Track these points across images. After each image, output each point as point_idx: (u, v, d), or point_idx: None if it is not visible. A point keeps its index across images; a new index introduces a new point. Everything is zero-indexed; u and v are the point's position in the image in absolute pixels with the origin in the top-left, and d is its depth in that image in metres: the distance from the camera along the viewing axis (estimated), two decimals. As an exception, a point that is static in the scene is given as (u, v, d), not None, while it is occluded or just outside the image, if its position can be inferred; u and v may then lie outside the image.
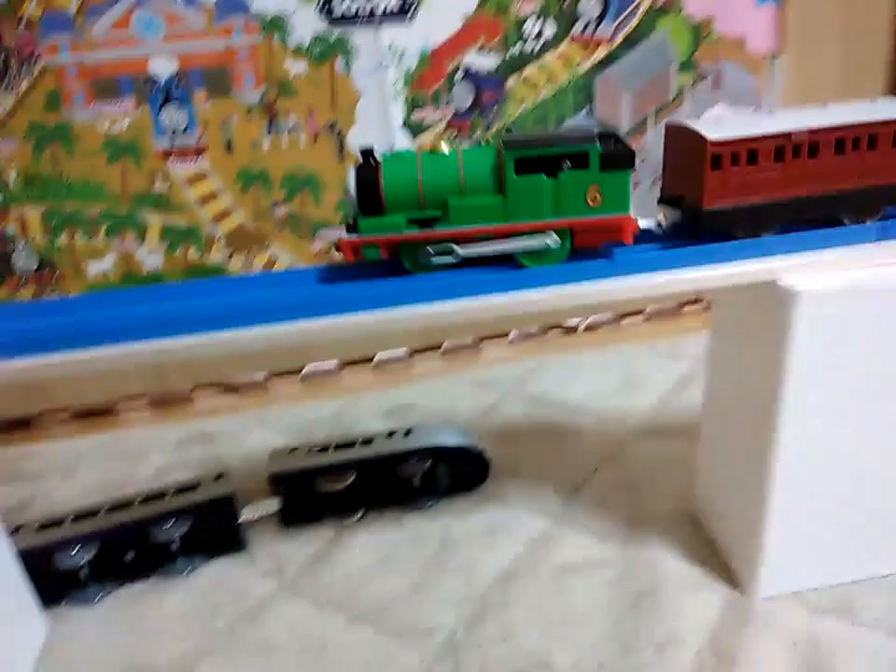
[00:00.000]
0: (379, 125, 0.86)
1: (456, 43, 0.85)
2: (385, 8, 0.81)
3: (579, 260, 0.50)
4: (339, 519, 0.69)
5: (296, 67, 0.82)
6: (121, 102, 0.79)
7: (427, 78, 0.86)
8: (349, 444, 0.70)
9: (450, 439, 0.71)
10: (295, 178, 0.86)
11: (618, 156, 0.47)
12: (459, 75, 0.87)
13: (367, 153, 0.50)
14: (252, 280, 0.55)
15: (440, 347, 1.06)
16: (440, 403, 0.91)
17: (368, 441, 0.71)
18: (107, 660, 0.57)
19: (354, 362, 1.03)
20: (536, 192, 0.48)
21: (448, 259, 0.49)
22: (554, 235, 0.49)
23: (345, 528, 0.69)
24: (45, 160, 0.79)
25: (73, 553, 0.60)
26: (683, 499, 0.68)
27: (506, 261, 0.50)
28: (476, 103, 0.88)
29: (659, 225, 0.53)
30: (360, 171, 0.49)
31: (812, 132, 0.49)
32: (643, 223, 0.52)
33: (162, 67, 0.79)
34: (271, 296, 0.50)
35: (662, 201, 0.54)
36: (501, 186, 0.48)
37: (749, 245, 0.50)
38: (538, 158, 0.47)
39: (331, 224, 0.89)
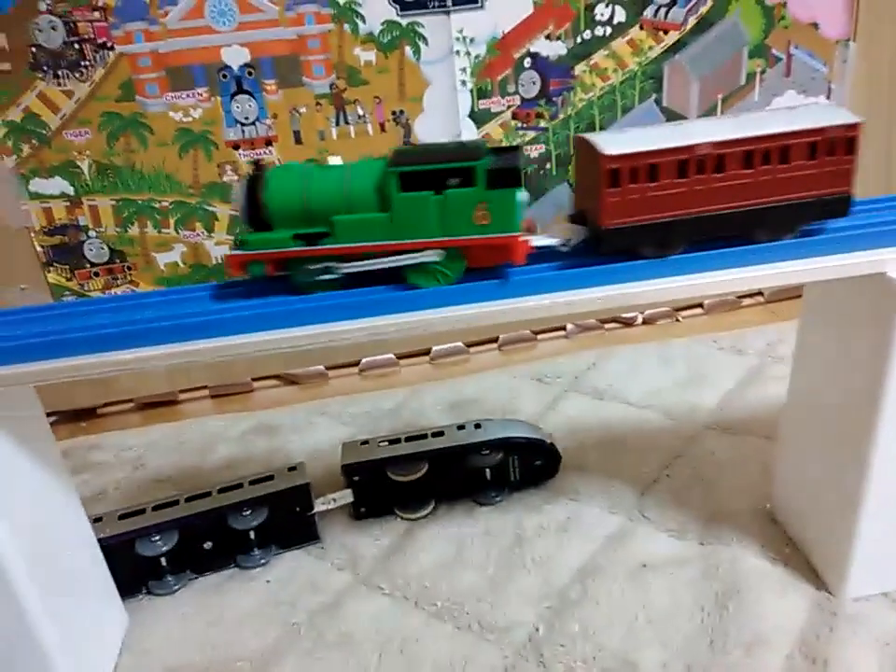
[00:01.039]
0: (446, 114, 0.85)
1: (526, 29, 0.84)
2: (458, -3, 0.80)
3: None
4: (410, 511, 0.69)
5: (365, 55, 0.81)
6: (194, 91, 0.79)
7: (495, 66, 0.84)
8: (420, 437, 0.70)
9: (521, 432, 0.71)
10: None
11: (505, 173, 0.45)
12: (527, 62, 0.85)
13: (257, 165, 0.50)
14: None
15: (496, 341, 1.05)
16: (500, 396, 0.90)
17: (439, 434, 0.70)
18: (189, 650, 0.57)
19: (411, 355, 1.03)
20: (422, 210, 0.46)
21: (331, 277, 0.48)
22: (438, 249, 0.47)
23: (417, 521, 0.69)
24: (118, 150, 0.79)
25: (153, 542, 0.61)
26: (759, 497, 0.67)
27: (399, 280, 0.48)
28: (543, 91, 0.87)
29: (565, 243, 0.50)
30: (248, 184, 0.48)
31: (716, 145, 0.46)
32: (549, 241, 0.49)
33: (235, 56, 0.78)
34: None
35: (570, 217, 0.51)
36: (387, 203, 0.46)
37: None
38: (423, 174, 0.45)
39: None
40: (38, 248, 0.83)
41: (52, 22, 0.74)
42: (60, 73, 0.76)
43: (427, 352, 1.03)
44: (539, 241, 0.49)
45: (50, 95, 0.77)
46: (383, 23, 0.80)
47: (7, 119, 0.77)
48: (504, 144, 0.87)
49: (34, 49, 0.75)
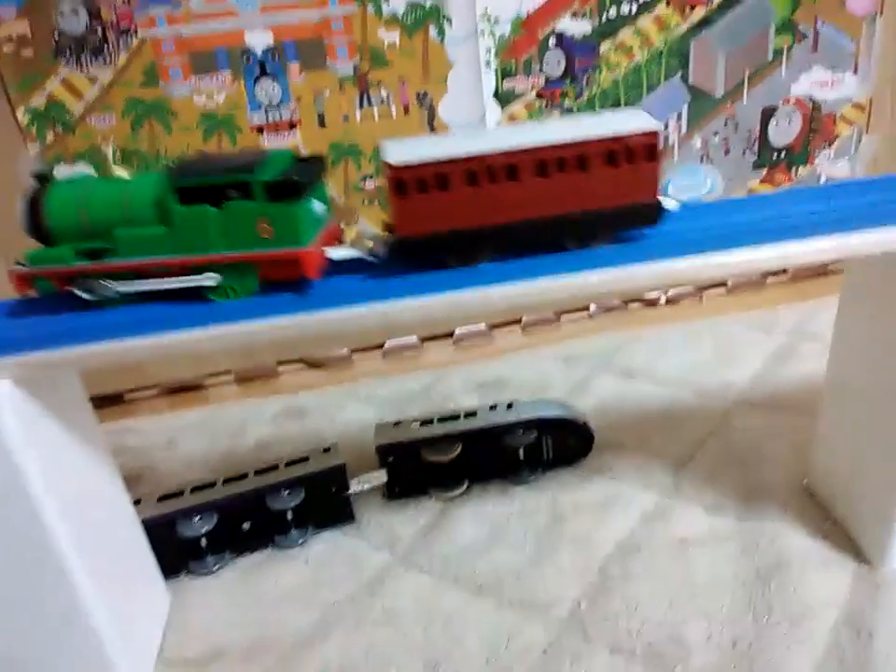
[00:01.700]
0: (470, 95, 0.85)
1: (551, 8, 0.83)
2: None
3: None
4: (444, 491, 0.69)
5: (389, 37, 0.81)
6: (218, 76, 0.79)
7: (520, 46, 0.84)
8: (453, 417, 0.70)
9: (554, 411, 0.70)
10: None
11: (284, 186, 0.44)
12: (552, 41, 0.85)
13: (41, 177, 0.48)
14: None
15: (519, 322, 1.05)
16: (528, 377, 0.90)
17: (471, 414, 0.70)
18: (234, 628, 0.57)
19: (434, 337, 1.03)
20: (202, 224, 0.44)
21: (108, 296, 0.46)
22: (212, 274, 0.45)
23: (452, 501, 0.69)
24: (142, 135, 0.79)
25: (194, 523, 0.61)
26: (796, 473, 0.67)
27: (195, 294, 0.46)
28: (568, 70, 0.86)
29: (374, 254, 0.48)
30: (29, 198, 0.46)
31: (508, 154, 0.44)
32: (350, 253, 0.48)
33: (258, 40, 0.78)
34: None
35: (384, 226, 0.49)
36: (168, 217, 0.45)
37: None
38: (202, 187, 0.44)
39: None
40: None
41: (75, 7, 0.73)
42: (83, 58, 0.76)
43: (450, 334, 1.03)
44: (338, 253, 0.47)
45: (74, 81, 0.77)
46: (406, 4, 0.80)
47: (30, 105, 0.77)
48: (521, 123, 0.87)
49: (56, 35, 0.75)
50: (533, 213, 0.45)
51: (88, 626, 0.48)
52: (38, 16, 0.73)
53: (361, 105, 0.83)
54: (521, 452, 0.69)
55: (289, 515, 0.64)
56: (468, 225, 0.45)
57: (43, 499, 0.44)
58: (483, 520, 0.66)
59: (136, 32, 0.76)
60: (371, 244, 0.48)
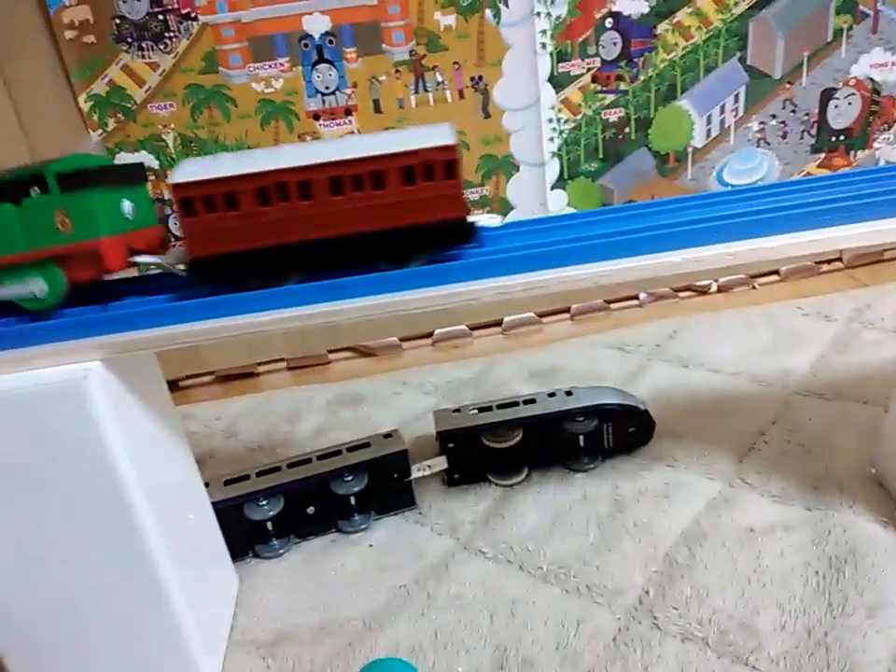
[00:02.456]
0: (525, 78, 0.84)
1: (610, -11, 0.82)
2: (536, -45, 0.78)
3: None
4: (504, 478, 0.69)
5: (445, 20, 0.80)
6: (276, 62, 0.79)
7: (576, 27, 0.83)
8: (512, 404, 0.70)
9: (614, 398, 0.70)
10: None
11: (77, 176, 0.43)
12: (608, 22, 0.83)
13: None
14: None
15: (568, 311, 1.04)
16: (580, 366, 0.89)
17: (531, 402, 0.70)
18: (302, 611, 0.58)
19: (483, 326, 1.03)
20: (3, 223, 0.44)
21: None
22: (41, 283, 0.45)
23: (512, 488, 0.68)
24: (202, 122, 0.80)
25: (261, 506, 0.62)
26: (862, 461, 0.65)
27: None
28: (624, 52, 0.85)
29: (179, 264, 0.47)
30: None
31: (297, 170, 0.43)
32: (153, 259, 0.47)
33: (316, 25, 0.78)
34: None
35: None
36: None
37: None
38: (3, 186, 0.44)
39: (472, 184, 0.88)
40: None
41: (138, -6, 0.74)
42: (144, 45, 0.76)
43: (498, 322, 1.03)
44: (145, 258, 0.47)
45: (135, 68, 0.77)
46: (462, -13, 0.79)
47: (92, 92, 0.77)
48: (582, 107, 0.86)
49: (117, 21, 0.75)
50: (330, 231, 0.44)
51: (167, 608, 0.48)
52: (99, 1, 0.74)
53: (416, 91, 0.83)
54: (581, 439, 0.69)
55: (353, 500, 0.64)
56: (261, 244, 0.44)
57: (129, 479, 0.44)
58: (545, 507, 0.66)
59: (197, 18, 0.76)
60: (177, 256, 0.47)
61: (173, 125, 0.80)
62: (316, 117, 0.82)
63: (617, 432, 0.70)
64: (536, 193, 0.89)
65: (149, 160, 0.81)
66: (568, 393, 0.70)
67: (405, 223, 0.45)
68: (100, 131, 0.79)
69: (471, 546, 0.62)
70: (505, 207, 0.90)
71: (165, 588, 0.48)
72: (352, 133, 0.83)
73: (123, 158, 0.80)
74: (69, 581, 0.47)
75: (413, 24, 0.80)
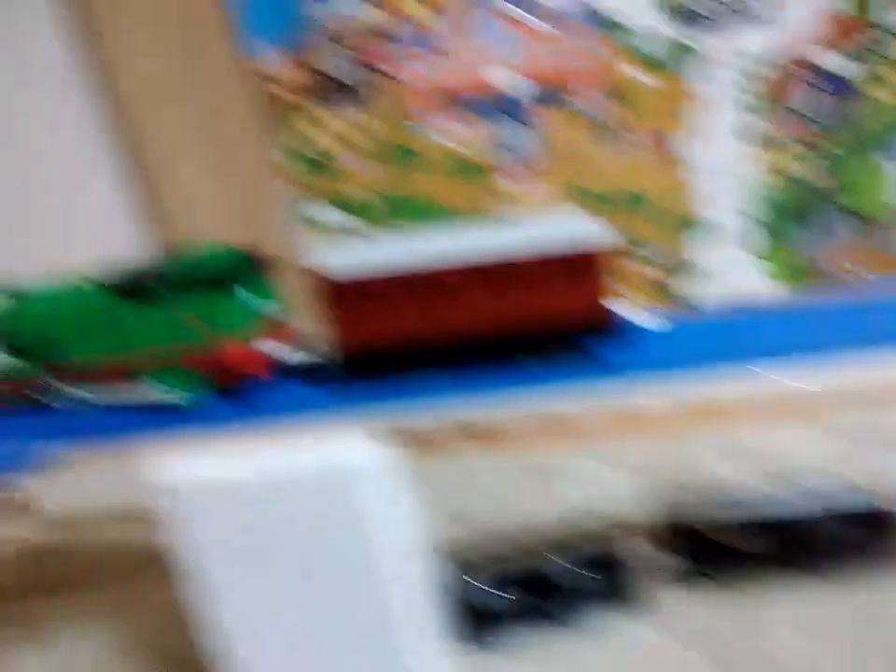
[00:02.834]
0: (722, 138, 0.80)
1: (811, 43, 0.78)
2: (739, 9, 0.75)
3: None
4: (750, 583, 0.59)
5: (638, 76, 0.77)
6: (467, 119, 0.76)
7: (776, 84, 0.79)
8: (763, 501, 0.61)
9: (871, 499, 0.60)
10: (624, 194, 0.80)
11: (211, 275, 0.42)
12: (811, 78, 0.79)
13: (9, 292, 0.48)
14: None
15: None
16: (788, 449, 0.79)
17: (774, 499, 0.60)
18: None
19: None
20: (137, 321, 0.44)
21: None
22: (178, 391, 0.44)
23: (761, 596, 0.59)
24: (394, 180, 0.77)
25: (493, 592, 0.54)
26: None
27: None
28: (826, 110, 0.80)
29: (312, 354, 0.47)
30: None
31: (450, 271, 0.42)
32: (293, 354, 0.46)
33: (508, 81, 0.76)
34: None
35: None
36: (107, 317, 0.44)
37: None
38: (134, 282, 0.43)
39: (650, 243, 0.82)
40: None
41: (339, 47, 0.73)
42: (340, 100, 0.75)
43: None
44: (281, 352, 0.46)
45: (330, 123, 0.76)
46: (660, 41, 0.76)
47: (290, 146, 0.76)
48: (777, 168, 0.81)
49: (317, 77, 0.74)
50: (473, 330, 0.44)
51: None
52: (303, 56, 0.73)
53: (604, 147, 0.79)
54: (843, 545, 0.58)
55: (582, 593, 0.56)
56: (406, 342, 0.44)
57: (382, 552, 0.39)
58: (805, 624, 0.55)
59: (393, 74, 0.74)
60: (312, 349, 0.47)
61: (364, 181, 0.77)
62: (503, 176, 0.79)
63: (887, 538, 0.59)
64: (727, 259, 0.83)
65: (339, 217, 0.78)
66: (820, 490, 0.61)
67: (545, 324, 0.44)
68: (294, 187, 0.77)
69: (723, 663, 0.53)
70: (688, 271, 0.84)
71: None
72: (536, 193, 0.79)
73: (314, 213, 0.78)
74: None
75: (604, 80, 0.77)
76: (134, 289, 0.43)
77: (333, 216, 0.79)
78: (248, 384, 0.45)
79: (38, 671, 0.61)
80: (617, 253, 0.44)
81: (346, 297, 0.42)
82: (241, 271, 0.43)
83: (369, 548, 0.39)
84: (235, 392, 0.45)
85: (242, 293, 0.43)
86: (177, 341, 0.43)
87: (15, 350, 0.47)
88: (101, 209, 0.78)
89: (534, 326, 0.44)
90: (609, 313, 0.45)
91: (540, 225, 0.46)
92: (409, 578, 0.43)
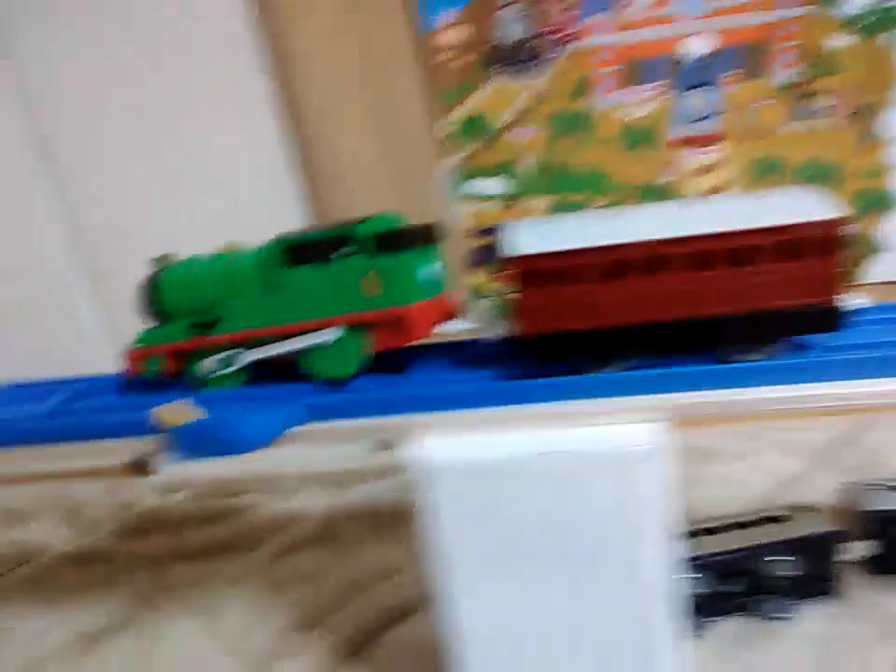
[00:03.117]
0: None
1: None
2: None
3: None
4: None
5: (837, 42, 0.72)
6: (647, 86, 0.73)
7: None
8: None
9: None
10: (813, 168, 0.76)
11: (394, 236, 0.41)
12: None
13: (159, 260, 0.49)
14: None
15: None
16: None
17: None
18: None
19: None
20: (309, 285, 0.43)
21: (229, 371, 0.46)
22: (336, 329, 0.43)
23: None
24: (560, 148, 0.75)
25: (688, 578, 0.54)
26: None
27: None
28: None
29: (483, 330, 0.44)
30: (147, 281, 0.48)
31: (654, 244, 0.38)
32: (462, 327, 0.45)
33: (695, 46, 0.72)
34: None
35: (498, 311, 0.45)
36: (274, 282, 0.44)
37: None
38: (307, 245, 0.43)
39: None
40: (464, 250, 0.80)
41: (516, 15, 0.71)
42: (516, 68, 0.73)
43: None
44: (450, 326, 0.45)
45: (503, 91, 0.74)
46: (862, 7, 0.71)
47: (455, 116, 0.75)
48: None
49: (493, 43, 0.72)
50: (679, 313, 0.39)
51: None
52: (478, 23, 0.71)
53: (794, 117, 0.75)
54: None
55: (780, 581, 0.55)
56: (603, 324, 0.40)
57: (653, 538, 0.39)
58: None
59: (572, 41, 0.72)
60: (484, 325, 0.45)
61: (532, 151, 0.76)
62: (682, 144, 0.75)
63: None
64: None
65: (501, 186, 0.77)
66: None
67: (760, 307, 0.40)
68: (456, 156, 0.76)
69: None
70: (878, 249, 0.80)
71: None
72: (716, 164, 0.76)
73: (474, 184, 0.77)
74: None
75: (801, 46, 0.72)
76: (308, 254, 0.43)
77: (496, 187, 0.77)
78: (408, 352, 0.45)
79: (196, 635, 0.65)
80: (850, 232, 0.39)
81: (533, 275, 0.39)
82: (414, 239, 0.43)
83: (641, 533, 0.38)
84: (393, 359, 0.45)
85: (415, 260, 0.43)
86: (350, 305, 0.43)
87: (177, 314, 0.48)
88: (270, 181, 0.79)
89: (745, 309, 0.40)
90: (838, 298, 0.40)
91: (756, 201, 0.41)
92: (668, 565, 0.42)
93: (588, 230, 0.40)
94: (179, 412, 0.39)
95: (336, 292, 0.43)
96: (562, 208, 0.77)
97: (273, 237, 0.45)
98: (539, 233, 0.40)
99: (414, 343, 0.44)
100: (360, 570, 0.68)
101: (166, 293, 0.48)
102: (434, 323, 0.44)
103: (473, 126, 0.75)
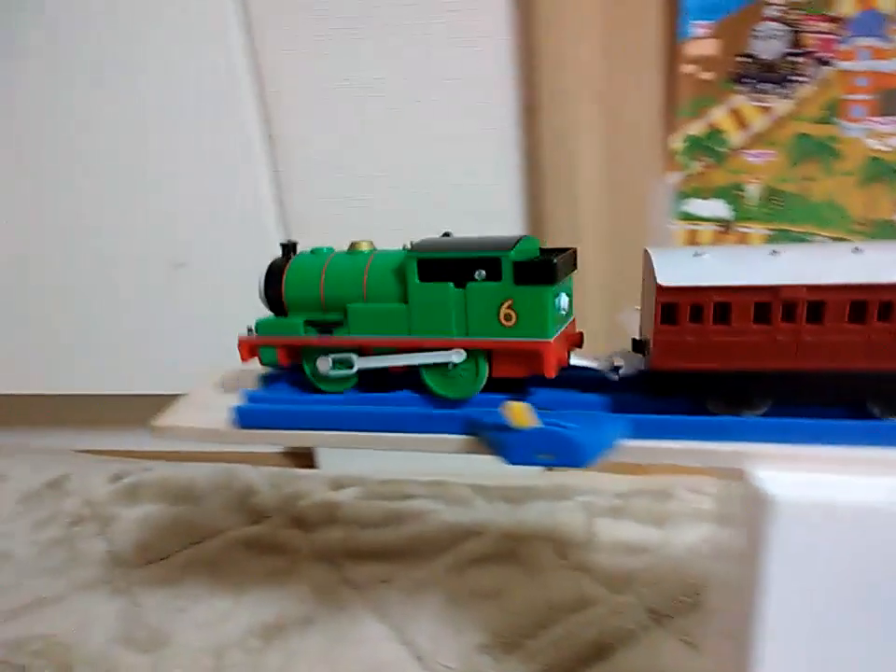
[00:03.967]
0: None
1: None
2: None
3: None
4: None
5: None
6: (898, 119, 0.69)
7: None
8: None
9: None
10: None
11: (536, 267, 0.39)
12: None
13: (287, 247, 0.48)
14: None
15: None
16: None
17: None
18: None
19: None
20: (441, 303, 0.41)
21: (344, 372, 0.44)
22: (461, 351, 0.42)
23: None
24: (795, 175, 0.71)
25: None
26: None
27: (415, 384, 0.44)
28: None
29: (615, 369, 0.43)
30: (269, 269, 0.47)
31: (814, 288, 0.36)
32: (590, 363, 0.43)
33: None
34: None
35: (634, 343, 0.44)
36: (405, 293, 0.43)
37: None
38: (445, 262, 0.41)
39: None
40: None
41: (775, 31, 0.67)
42: (762, 87, 0.69)
43: None
44: (579, 360, 0.43)
45: (743, 111, 0.70)
46: None
47: (688, 131, 0.71)
48: None
49: (742, 59, 0.69)
50: (831, 364, 0.37)
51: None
52: (731, 36, 0.68)
53: None
54: None
55: None
56: (743, 367, 0.38)
57: None
58: None
59: (831, 63, 0.68)
60: (614, 359, 0.43)
61: (762, 175, 0.72)
62: (932, 187, 0.71)
63: None
64: None
65: (720, 209, 0.73)
66: None
67: None
68: (680, 173, 0.73)
69: None
70: None
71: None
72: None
73: (693, 204, 0.74)
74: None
75: None
76: (445, 273, 0.42)
77: (715, 209, 0.74)
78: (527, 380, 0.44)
79: (384, 640, 0.63)
80: None
81: (675, 311, 0.37)
82: (556, 270, 0.40)
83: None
84: (513, 386, 0.44)
85: (554, 292, 0.40)
86: (483, 330, 0.42)
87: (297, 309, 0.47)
88: (493, 171, 0.77)
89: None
90: None
91: None
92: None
93: (738, 266, 0.38)
94: (526, 414, 0.37)
95: (469, 315, 0.41)
96: (782, 238, 0.73)
97: (410, 244, 0.43)
98: (684, 267, 0.38)
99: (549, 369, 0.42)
100: (551, 596, 0.65)
101: (288, 285, 0.46)
102: (564, 360, 0.42)
103: (703, 144, 0.71)
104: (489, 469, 0.81)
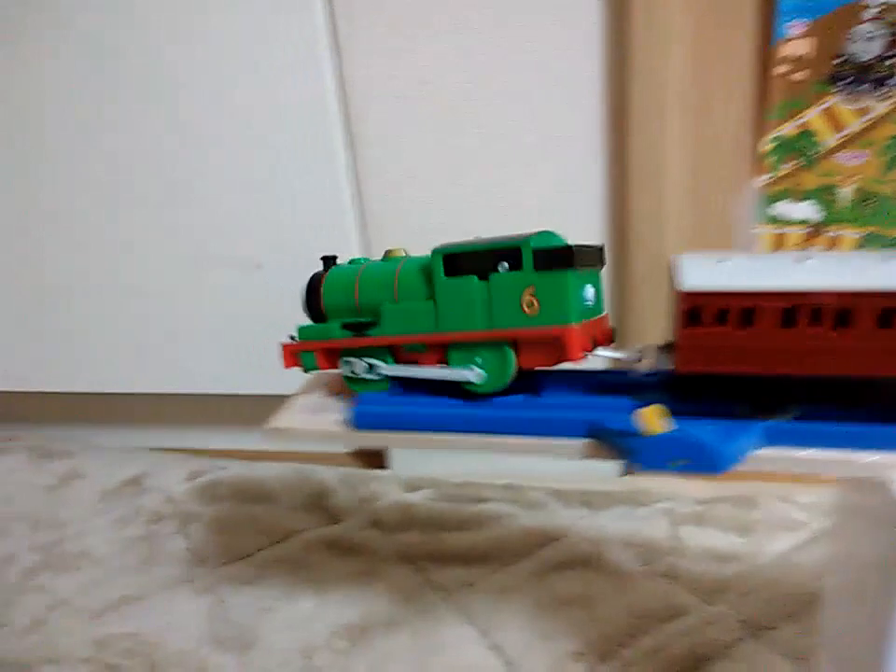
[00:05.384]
0: None
1: None
2: None
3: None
4: None
5: None
6: None
7: None
8: None
9: None
10: None
11: (556, 253, 0.40)
12: None
13: (328, 260, 0.51)
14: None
15: None
16: None
17: None
18: None
19: None
20: (466, 297, 0.43)
21: (372, 377, 0.47)
22: (477, 370, 0.44)
23: None
24: (889, 178, 0.70)
25: None
26: None
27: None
28: None
29: (640, 360, 0.42)
30: (310, 280, 0.50)
31: (842, 294, 0.35)
32: (616, 354, 0.42)
33: None
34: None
35: (662, 347, 0.42)
36: (432, 290, 0.44)
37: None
38: (468, 256, 0.43)
39: None
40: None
41: (871, 32, 0.66)
42: (858, 88, 0.68)
43: None
44: (605, 351, 0.43)
45: (837, 112, 0.69)
46: None
47: (779, 133, 0.70)
48: None
49: (839, 60, 0.68)
50: (859, 369, 0.36)
51: None
52: (827, 37, 0.67)
53: None
54: None
55: None
56: (769, 372, 0.37)
57: None
58: None
59: (934, 63, 0.66)
60: (641, 354, 0.43)
61: (856, 177, 0.70)
62: None
63: None
64: None
65: (810, 212, 0.72)
66: None
67: None
68: (769, 175, 0.72)
69: None
70: None
71: None
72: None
73: (781, 207, 0.73)
74: None
75: None
76: (467, 266, 0.43)
77: (805, 212, 0.72)
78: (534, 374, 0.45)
79: (473, 644, 0.63)
80: None
81: (700, 315, 0.37)
82: (576, 259, 0.41)
83: None
84: (528, 379, 0.44)
85: (575, 280, 0.41)
86: (506, 320, 0.42)
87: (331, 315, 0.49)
88: (579, 174, 0.77)
89: None
90: None
91: None
92: None
93: (765, 270, 0.37)
94: (659, 419, 0.36)
95: (493, 307, 0.42)
96: (874, 241, 0.72)
97: (439, 245, 0.44)
98: (711, 270, 0.38)
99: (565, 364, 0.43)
100: (639, 604, 0.64)
101: (326, 293, 0.49)
102: (588, 347, 0.42)
103: (793, 146, 0.70)
104: (564, 472, 0.82)
